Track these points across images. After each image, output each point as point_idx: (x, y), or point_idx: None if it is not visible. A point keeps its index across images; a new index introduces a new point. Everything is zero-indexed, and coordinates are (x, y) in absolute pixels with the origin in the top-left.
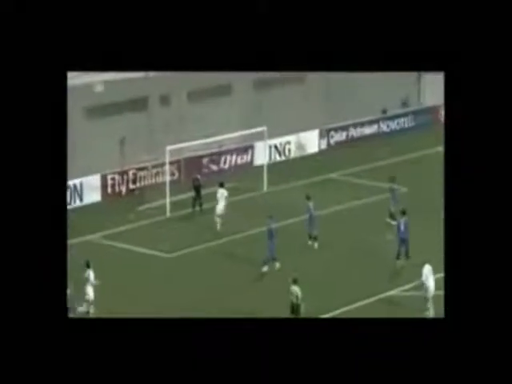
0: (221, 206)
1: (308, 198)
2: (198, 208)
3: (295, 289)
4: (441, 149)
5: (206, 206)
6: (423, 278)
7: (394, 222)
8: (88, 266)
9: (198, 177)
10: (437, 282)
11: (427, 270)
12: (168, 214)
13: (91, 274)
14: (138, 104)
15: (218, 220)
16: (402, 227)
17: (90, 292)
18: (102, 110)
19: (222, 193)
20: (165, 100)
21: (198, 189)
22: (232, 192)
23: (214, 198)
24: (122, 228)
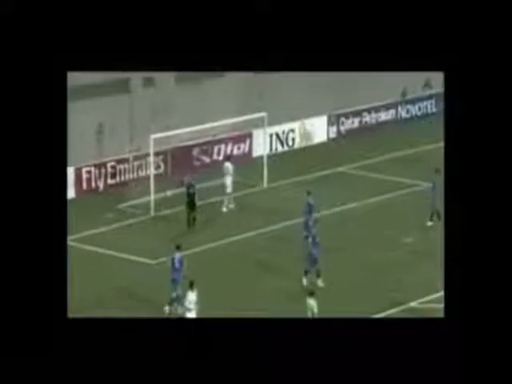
0: (228, 182)
1: (308, 193)
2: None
3: (311, 302)
4: None
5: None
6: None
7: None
8: (191, 286)
9: (193, 182)
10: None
11: None
12: (153, 212)
13: (192, 297)
14: (118, 86)
15: (226, 200)
16: None
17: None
18: (77, 93)
19: (227, 167)
20: (149, 82)
21: (192, 197)
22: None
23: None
24: (99, 230)
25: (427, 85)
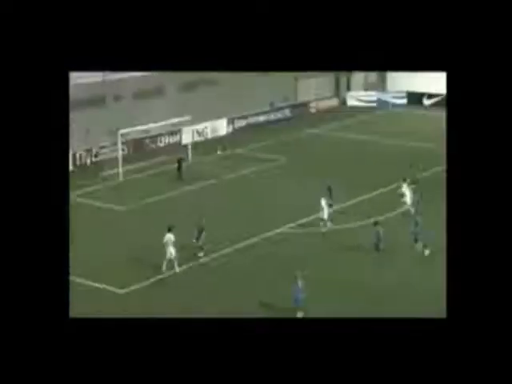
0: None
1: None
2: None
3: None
4: (309, 131)
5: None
6: (322, 205)
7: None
8: (170, 230)
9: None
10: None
11: (323, 202)
12: (121, 178)
13: (172, 237)
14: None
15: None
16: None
17: (172, 251)
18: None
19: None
20: (117, 98)
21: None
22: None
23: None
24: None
25: (271, 105)
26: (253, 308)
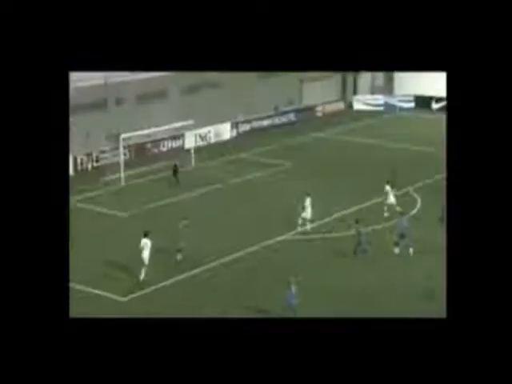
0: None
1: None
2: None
3: None
4: (315, 135)
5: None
6: (306, 204)
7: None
8: (146, 235)
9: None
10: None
11: (308, 201)
12: (123, 183)
13: (148, 243)
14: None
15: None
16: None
17: (146, 257)
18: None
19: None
20: (119, 101)
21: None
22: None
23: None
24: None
25: (290, 103)
26: (251, 314)
